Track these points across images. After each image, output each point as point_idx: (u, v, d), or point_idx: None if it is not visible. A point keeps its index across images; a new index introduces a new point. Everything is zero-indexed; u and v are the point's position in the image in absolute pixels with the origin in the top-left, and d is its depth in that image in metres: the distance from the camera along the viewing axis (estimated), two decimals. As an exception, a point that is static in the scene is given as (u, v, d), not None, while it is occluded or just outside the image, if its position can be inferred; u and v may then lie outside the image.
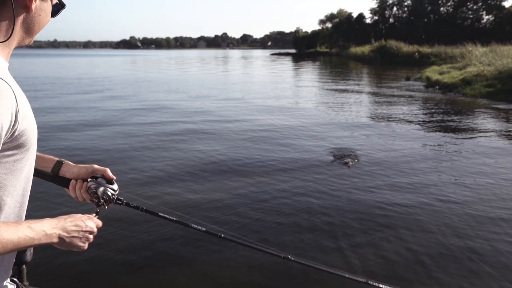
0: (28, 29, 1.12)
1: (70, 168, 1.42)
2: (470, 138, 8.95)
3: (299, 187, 5.63)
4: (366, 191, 5.48)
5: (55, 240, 1.10)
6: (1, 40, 1.07)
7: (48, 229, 1.08)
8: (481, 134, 9.30)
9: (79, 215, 1.21)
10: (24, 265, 1.53)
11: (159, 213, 1.45)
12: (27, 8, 1.08)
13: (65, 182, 1.40)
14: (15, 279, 1.30)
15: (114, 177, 1.41)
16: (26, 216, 1.20)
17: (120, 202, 1.41)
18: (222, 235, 1.55)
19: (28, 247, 1.06)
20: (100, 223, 1.27)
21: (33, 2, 1.08)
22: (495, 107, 13.33)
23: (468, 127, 10.22)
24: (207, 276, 3.54)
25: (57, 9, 1.21)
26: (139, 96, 16.09)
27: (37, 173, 1.34)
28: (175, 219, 1.46)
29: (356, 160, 6.84)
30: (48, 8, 1.16)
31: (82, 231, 1.18)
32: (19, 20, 1.09)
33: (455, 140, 8.77)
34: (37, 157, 1.39)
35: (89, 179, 1.38)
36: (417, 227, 4.40)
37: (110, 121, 10.65)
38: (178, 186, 5.69)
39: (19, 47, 1.16)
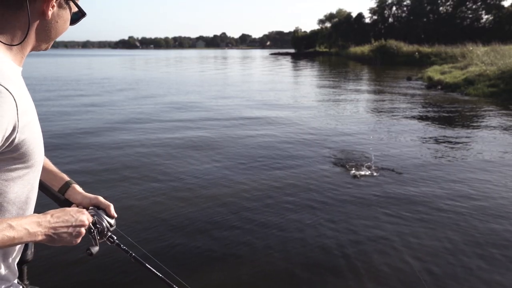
0: (44, 35, 1.11)
1: (75, 194, 1.41)
2: (477, 141, 8.76)
3: (293, 191, 5.45)
4: (366, 196, 5.31)
5: (40, 238, 1.03)
6: (15, 44, 1.05)
7: (31, 227, 1.01)
8: (488, 134, 9.13)
9: (68, 208, 1.14)
10: (24, 265, 1.50)
11: (146, 265, 1.44)
12: (43, 14, 1.07)
13: (66, 205, 1.40)
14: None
15: (115, 215, 1.39)
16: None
17: (112, 241, 1.38)
18: None
19: (8, 247, 1.01)
20: (90, 218, 1.21)
21: (50, 9, 1.07)
22: (500, 106, 13.21)
23: (474, 128, 10.07)
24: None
25: (77, 17, 1.19)
26: (138, 98, 15.93)
27: (42, 188, 1.34)
28: (160, 275, 1.44)
29: (358, 163, 6.62)
30: (67, 16, 1.14)
31: (72, 226, 1.10)
32: (35, 26, 1.08)
33: (462, 144, 8.59)
34: (49, 172, 1.42)
35: (90, 207, 1.36)
36: (415, 238, 4.18)
37: (108, 124, 10.47)
38: (170, 191, 5.48)
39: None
